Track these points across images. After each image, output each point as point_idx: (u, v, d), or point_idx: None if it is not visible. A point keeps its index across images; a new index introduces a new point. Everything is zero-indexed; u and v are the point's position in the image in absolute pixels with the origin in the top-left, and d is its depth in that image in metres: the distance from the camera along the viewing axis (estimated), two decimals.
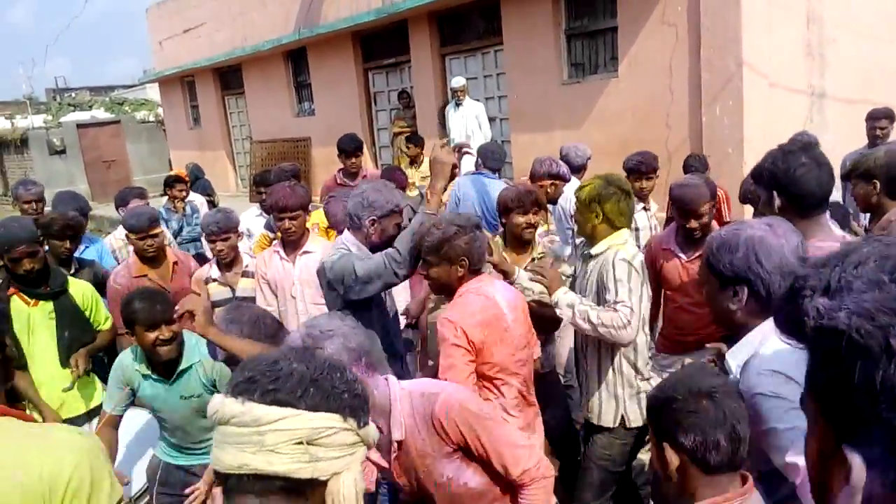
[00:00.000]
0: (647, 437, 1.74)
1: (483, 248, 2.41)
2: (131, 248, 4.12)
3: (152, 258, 3.58)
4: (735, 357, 1.60)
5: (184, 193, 6.06)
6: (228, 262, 3.42)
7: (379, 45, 10.33)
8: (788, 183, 2.09)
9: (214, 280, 3.41)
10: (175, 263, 3.69)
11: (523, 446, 1.83)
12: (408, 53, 9.68)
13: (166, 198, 6.50)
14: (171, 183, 6.05)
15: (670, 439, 1.42)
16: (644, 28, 6.74)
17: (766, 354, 1.50)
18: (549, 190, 3.88)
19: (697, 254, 3.04)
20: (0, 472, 1.19)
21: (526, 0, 7.82)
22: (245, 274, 3.44)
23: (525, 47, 8.02)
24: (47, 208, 4.64)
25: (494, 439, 1.77)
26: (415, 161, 7.40)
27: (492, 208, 4.79)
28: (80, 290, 3.15)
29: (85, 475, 1.22)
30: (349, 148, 5.07)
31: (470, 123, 7.68)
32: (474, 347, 2.27)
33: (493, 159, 5.03)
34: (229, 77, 14.00)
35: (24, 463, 1.20)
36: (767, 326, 1.54)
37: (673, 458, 1.41)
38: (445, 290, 2.45)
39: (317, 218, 4.51)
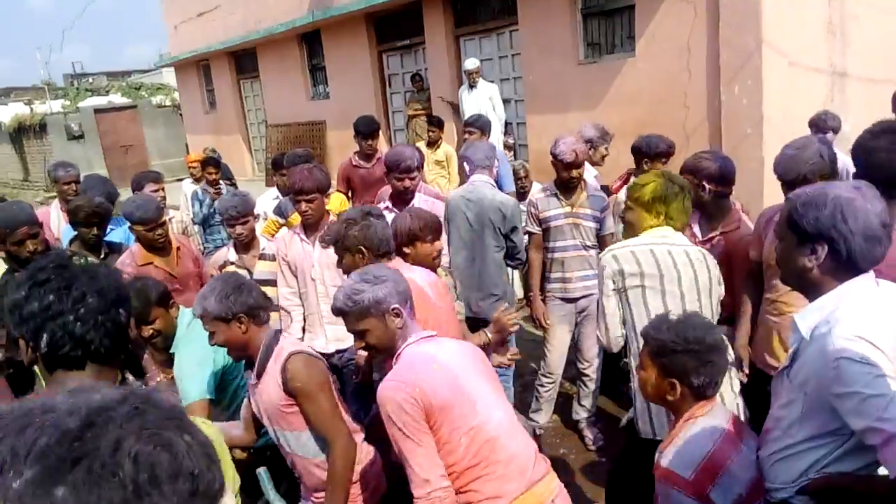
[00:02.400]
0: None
1: (381, 233, 2.56)
2: None
3: (161, 247, 3.54)
4: (805, 319, 1.64)
5: (217, 175, 6.10)
6: (245, 245, 3.46)
7: (393, 26, 10.27)
8: (866, 163, 2.17)
9: (232, 263, 3.45)
10: (178, 248, 3.67)
11: (419, 474, 1.88)
12: (422, 35, 9.61)
13: (189, 179, 6.55)
14: (204, 165, 6.08)
15: (682, 378, 1.81)
16: (662, 6, 6.63)
17: (849, 320, 1.54)
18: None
19: (712, 234, 3.02)
20: None
21: None
22: (262, 257, 3.46)
23: (540, 27, 7.93)
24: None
25: (402, 450, 1.90)
26: (433, 143, 7.37)
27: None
28: None
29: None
30: (366, 130, 5.07)
31: (484, 105, 7.63)
32: None
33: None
34: (244, 61, 14.01)
35: None
36: (842, 291, 1.60)
37: (678, 390, 1.82)
38: None
39: (334, 202, 4.55)
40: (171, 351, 2.73)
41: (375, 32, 10.59)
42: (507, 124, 8.68)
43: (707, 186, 2.96)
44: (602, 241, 3.78)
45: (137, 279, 2.77)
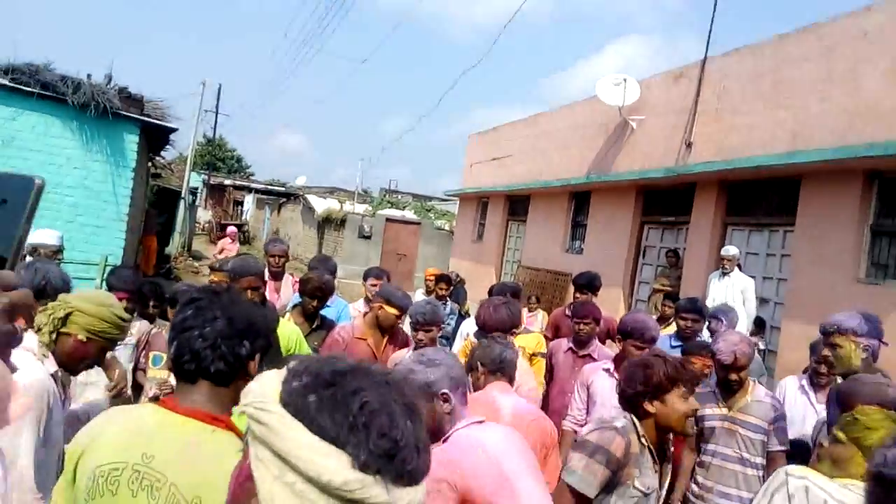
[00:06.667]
0: None
1: (496, 355, 2.80)
2: (359, 314, 4.58)
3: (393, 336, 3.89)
4: None
5: (446, 293, 6.56)
6: None
7: (661, 201, 10.30)
8: None
9: None
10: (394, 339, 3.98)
11: None
12: (688, 215, 9.46)
13: (421, 290, 7.08)
14: (437, 280, 6.61)
15: None
16: None
17: None
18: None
19: None
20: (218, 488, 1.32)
21: (831, 185, 7.19)
22: None
23: (820, 234, 7.30)
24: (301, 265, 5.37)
25: None
26: (665, 319, 7.04)
27: None
28: (287, 332, 3.52)
29: None
30: (578, 282, 5.21)
31: (733, 296, 7.10)
32: None
33: None
34: (517, 205, 15.09)
35: None
36: None
37: None
38: None
39: (531, 341, 4.56)
40: None
41: (643, 203, 10.70)
42: (761, 326, 7.94)
43: None
44: (770, 459, 3.31)
45: (296, 356, 2.99)
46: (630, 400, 2.39)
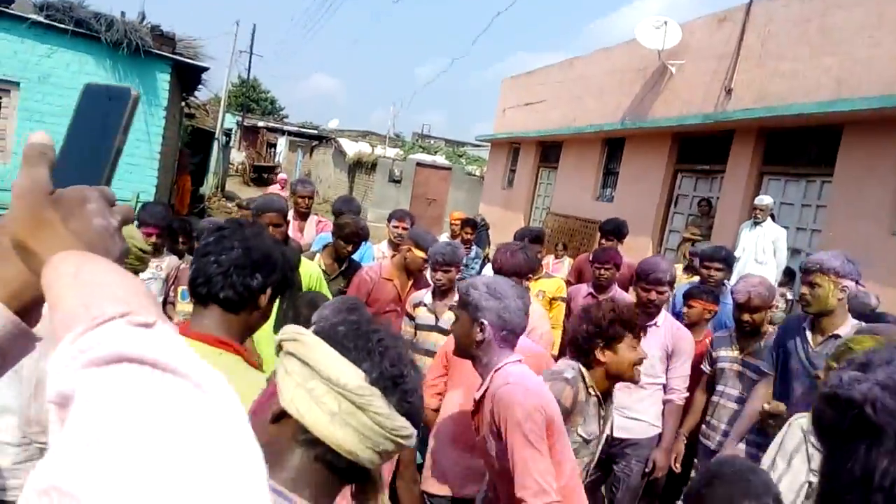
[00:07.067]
0: None
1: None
2: (387, 258, 4.63)
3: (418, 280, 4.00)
4: None
5: (471, 237, 6.56)
6: (443, 292, 3.62)
7: (696, 149, 10.05)
8: None
9: (425, 305, 3.64)
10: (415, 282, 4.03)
11: (540, 482, 1.84)
12: (724, 163, 9.22)
13: (446, 234, 7.11)
14: (463, 224, 6.60)
15: None
16: None
17: None
18: None
19: None
20: None
21: (874, 135, 6.92)
22: (453, 307, 3.58)
23: (857, 185, 7.07)
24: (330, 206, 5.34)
25: (522, 458, 1.87)
26: (693, 268, 6.96)
27: None
28: (308, 271, 3.57)
29: None
30: (604, 228, 5.12)
31: (764, 246, 6.97)
32: None
33: None
34: (549, 151, 14.86)
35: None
36: None
37: None
38: None
39: (551, 286, 4.57)
40: None
41: (678, 151, 10.46)
42: (791, 276, 7.81)
43: None
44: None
45: (313, 292, 3.03)
46: (581, 347, 2.39)
